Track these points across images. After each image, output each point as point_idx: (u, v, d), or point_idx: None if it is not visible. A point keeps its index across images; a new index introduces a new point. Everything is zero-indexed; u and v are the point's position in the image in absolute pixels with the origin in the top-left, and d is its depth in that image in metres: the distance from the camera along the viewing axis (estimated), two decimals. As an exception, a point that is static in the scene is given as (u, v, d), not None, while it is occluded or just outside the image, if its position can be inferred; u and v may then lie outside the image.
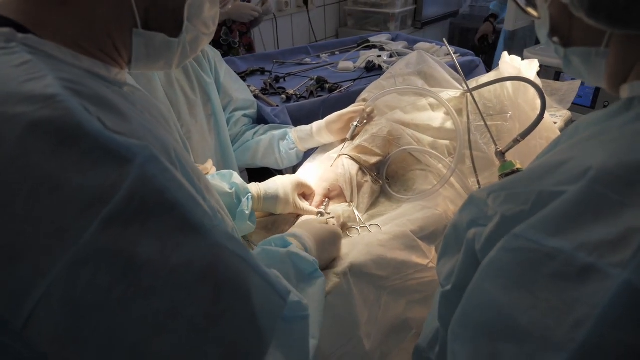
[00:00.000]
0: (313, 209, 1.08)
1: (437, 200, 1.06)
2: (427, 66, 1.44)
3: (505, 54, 1.29)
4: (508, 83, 1.21)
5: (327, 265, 0.88)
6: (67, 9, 0.51)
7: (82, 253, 0.38)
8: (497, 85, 1.23)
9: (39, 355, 0.38)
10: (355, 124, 1.24)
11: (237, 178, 1.04)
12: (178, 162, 0.50)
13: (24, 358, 0.38)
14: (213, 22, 0.67)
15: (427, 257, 0.95)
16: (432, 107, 1.30)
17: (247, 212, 0.99)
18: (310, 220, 0.99)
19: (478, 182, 1.11)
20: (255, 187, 1.05)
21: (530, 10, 0.58)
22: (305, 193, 1.13)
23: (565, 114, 1.44)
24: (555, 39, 0.54)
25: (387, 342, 0.89)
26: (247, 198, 1.01)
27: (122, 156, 0.41)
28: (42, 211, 0.38)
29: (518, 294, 0.39)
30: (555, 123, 1.32)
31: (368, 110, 1.27)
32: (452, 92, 1.30)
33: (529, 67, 1.21)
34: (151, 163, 0.43)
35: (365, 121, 1.26)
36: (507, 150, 1.04)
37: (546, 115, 1.09)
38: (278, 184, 1.06)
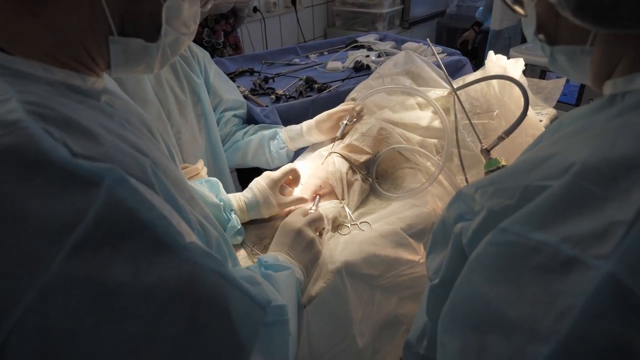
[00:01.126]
0: (299, 197, 1.08)
1: (426, 197, 1.07)
2: (415, 66, 1.45)
3: (491, 52, 1.31)
4: (494, 81, 1.22)
5: (315, 260, 0.88)
6: (38, 20, 0.49)
7: (52, 281, 0.37)
8: (483, 83, 1.24)
9: None
10: (345, 122, 1.24)
11: (223, 193, 1.04)
12: (156, 177, 0.49)
13: None
14: (194, 21, 0.64)
15: (418, 254, 0.96)
16: (420, 106, 1.31)
17: (238, 226, 1.01)
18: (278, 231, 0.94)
19: (466, 179, 1.12)
20: (235, 201, 1.05)
21: (517, 8, 0.59)
22: (286, 184, 1.10)
23: (551, 111, 1.46)
24: (541, 36, 0.55)
25: (379, 339, 0.90)
26: (233, 213, 1.02)
27: (88, 181, 0.40)
28: (9, 241, 0.37)
29: (505, 287, 0.40)
30: (540, 121, 1.33)
31: (357, 108, 1.27)
32: (439, 91, 1.31)
33: (515, 66, 1.23)
34: (120, 186, 0.42)
35: (354, 120, 1.27)
36: (492, 148, 1.05)
37: (532, 112, 1.11)
38: (255, 190, 1.05)
